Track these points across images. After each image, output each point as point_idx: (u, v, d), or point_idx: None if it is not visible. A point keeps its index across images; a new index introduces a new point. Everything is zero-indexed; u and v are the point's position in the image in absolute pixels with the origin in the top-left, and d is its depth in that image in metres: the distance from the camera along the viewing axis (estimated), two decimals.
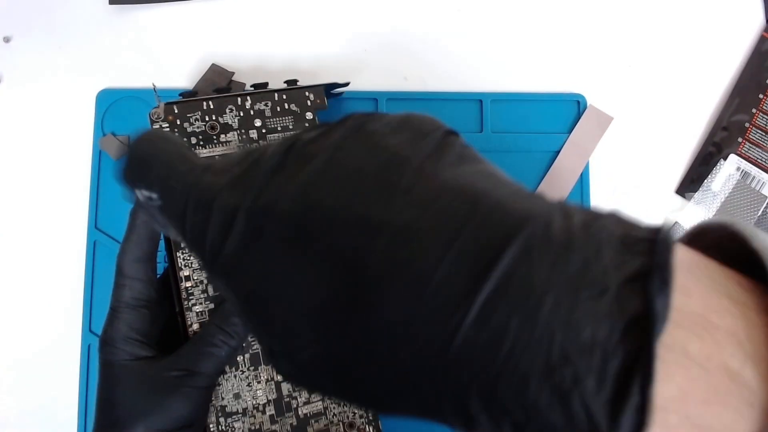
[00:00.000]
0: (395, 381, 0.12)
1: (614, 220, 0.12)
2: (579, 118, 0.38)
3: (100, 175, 0.37)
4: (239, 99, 0.31)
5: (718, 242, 0.14)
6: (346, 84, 0.35)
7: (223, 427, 0.28)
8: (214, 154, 0.31)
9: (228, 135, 0.31)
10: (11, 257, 0.37)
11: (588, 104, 0.38)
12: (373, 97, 0.38)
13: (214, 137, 0.31)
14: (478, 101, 0.38)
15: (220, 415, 0.28)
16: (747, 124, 0.39)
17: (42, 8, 0.39)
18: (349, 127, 0.15)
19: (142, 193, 0.17)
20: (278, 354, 0.14)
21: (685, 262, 0.12)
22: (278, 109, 0.32)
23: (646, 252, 0.11)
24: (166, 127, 0.30)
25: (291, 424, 0.29)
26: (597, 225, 0.12)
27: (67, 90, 0.38)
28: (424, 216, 0.12)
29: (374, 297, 0.12)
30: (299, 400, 0.29)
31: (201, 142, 0.31)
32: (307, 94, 0.33)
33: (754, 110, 0.39)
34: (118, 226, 0.36)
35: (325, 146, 0.14)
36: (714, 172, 0.38)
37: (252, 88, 0.33)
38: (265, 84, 0.34)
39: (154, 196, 0.17)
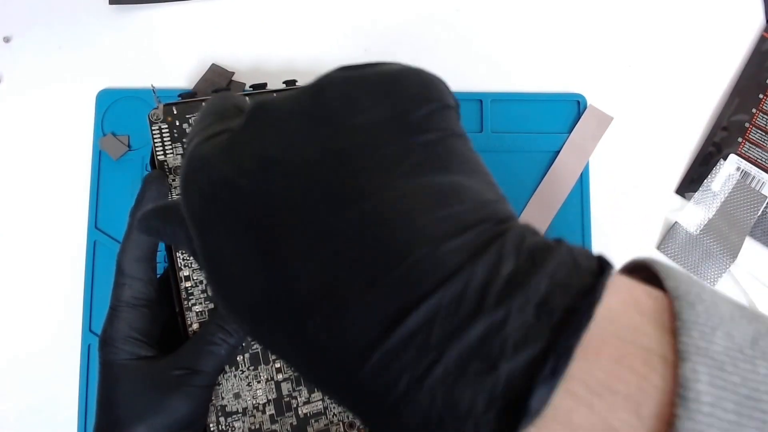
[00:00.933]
0: (313, 373, 0.13)
1: (544, 275, 0.12)
2: (579, 118, 0.38)
3: (100, 175, 0.37)
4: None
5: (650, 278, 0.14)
6: None
7: (223, 427, 0.28)
8: None
9: None
10: (11, 257, 0.37)
11: (588, 104, 0.38)
12: None
13: None
14: (478, 101, 0.38)
15: (220, 414, 0.28)
16: (747, 124, 0.39)
17: (42, 8, 0.39)
18: (319, 88, 0.15)
19: None
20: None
21: (616, 313, 0.12)
22: None
23: (559, 325, 0.11)
24: (165, 128, 0.30)
25: (291, 424, 0.29)
26: (520, 283, 0.12)
27: (67, 90, 0.38)
28: (359, 247, 0.12)
29: (302, 314, 0.13)
30: (299, 399, 0.29)
31: None
32: None
33: (754, 110, 0.39)
34: (118, 226, 0.36)
35: (290, 109, 0.14)
36: (714, 172, 0.38)
37: (251, 89, 0.33)
38: (264, 84, 0.34)
39: None
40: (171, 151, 0.30)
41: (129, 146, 0.37)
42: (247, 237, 0.13)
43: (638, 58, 0.40)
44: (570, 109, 0.38)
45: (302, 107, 0.14)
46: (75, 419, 0.35)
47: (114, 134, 0.37)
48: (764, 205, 0.37)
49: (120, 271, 0.26)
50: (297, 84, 0.33)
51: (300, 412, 0.29)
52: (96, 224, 0.36)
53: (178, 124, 0.30)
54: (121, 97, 0.38)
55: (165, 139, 0.30)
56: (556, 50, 0.39)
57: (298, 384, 0.29)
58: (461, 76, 0.39)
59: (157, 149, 0.30)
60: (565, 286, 0.12)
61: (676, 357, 0.11)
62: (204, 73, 0.38)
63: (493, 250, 0.12)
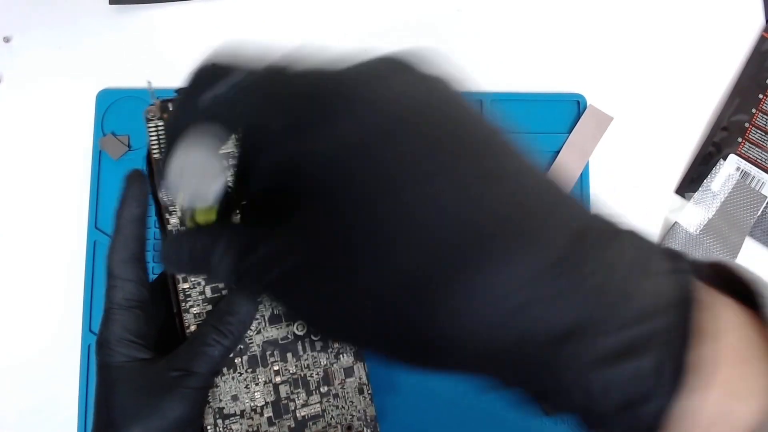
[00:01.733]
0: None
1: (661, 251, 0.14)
2: (579, 118, 0.38)
3: (100, 175, 0.37)
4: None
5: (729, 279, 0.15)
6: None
7: (221, 429, 0.28)
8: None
9: None
10: (11, 257, 0.37)
11: (588, 104, 0.38)
12: None
13: None
14: (478, 101, 0.38)
15: (217, 416, 0.28)
16: (747, 124, 0.39)
17: (42, 8, 0.39)
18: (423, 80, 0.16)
19: (215, 91, 0.17)
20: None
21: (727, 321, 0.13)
22: None
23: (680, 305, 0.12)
24: (161, 124, 0.30)
25: (289, 426, 0.29)
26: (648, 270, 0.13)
27: (67, 90, 0.38)
28: (506, 217, 0.13)
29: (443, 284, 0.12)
30: (297, 402, 0.29)
31: None
32: None
33: (753, 110, 0.39)
34: None
35: (402, 95, 0.15)
36: (714, 172, 0.38)
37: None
38: None
39: (235, 81, 0.17)
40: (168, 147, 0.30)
41: (129, 146, 0.37)
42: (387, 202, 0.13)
43: (638, 58, 0.40)
44: (570, 109, 0.38)
45: (419, 95, 0.15)
46: (75, 419, 0.35)
47: (114, 134, 0.37)
48: (764, 205, 0.37)
49: (110, 273, 0.26)
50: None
51: (298, 415, 0.29)
52: (96, 224, 0.36)
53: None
54: (121, 97, 0.38)
55: (161, 136, 0.30)
56: (556, 50, 0.39)
57: (296, 386, 0.29)
58: (461, 76, 0.39)
59: (153, 147, 0.30)
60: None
61: None
62: None
63: (621, 238, 0.13)
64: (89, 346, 0.35)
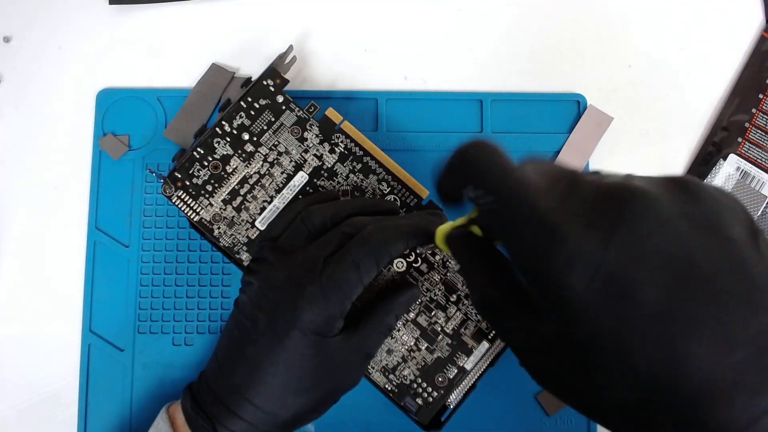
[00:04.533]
0: None
1: None
2: (579, 118, 0.38)
3: (100, 175, 0.37)
4: (218, 129, 0.33)
5: None
6: (290, 48, 0.35)
7: (396, 382, 0.31)
8: (231, 186, 0.33)
9: (231, 163, 0.33)
10: (11, 257, 0.37)
11: (588, 104, 0.38)
12: (374, 97, 0.38)
13: (223, 173, 0.33)
14: (478, 101, 0.38)
15: (388, 373, 0.31)
16: (747, 124, 0.39)
17: (42, 8, 0.39)
18: (687, 191, 0.16)
19: (472, 192, 0.19)
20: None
21: None
22: (252, 113, 0.33)
23: None
24: (183, 195, 0.32)
25: (448, 344, 0.31)
26: None
27: (67, 90, 0.38)
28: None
29: (711, 404, 0.14)
30: (440, 321, 0.32)
31: (216, 184, 0.32)
32: (265, 83, 0.33)
33: (754, 110, 0.39)
34: (119, 226, 0.36)
35: (678, 211, 0.16)
36: (714, 172, 0.38)
37: (219, 112, 0.34)
38: (249, 79, 0.35)
39: (487, 198, 0.19)
40: (199, 207, 0.32)
41: (129, 146, 0.37)
42: (649, 327, 0.15)
43: (638, 58, 0.40)
44: (570, 109, 0.38)
45: (686, 210, 0.16)
46: (75, 419, 0.35)
47: (114, 134, 0.37)
48: (764, 205, 0.37)
49: (387, 253, 0.26)
50: (252, 79, 0.35)
51: (448, 329, 0.31)
52: (96, 224, 0.36)
53: (188, 183, 0.32)
54: (121, 97, 0.38)
55: (189, 201, 0.32)
56: (556, 50, 0.39)
57: (430, 310, 0.32)
58: (461, 76, 0.39)
59: (189, 215, 0.32)
60: None
61: None
62: (204, 72, 0.38)
63: None
64: (89, 346, 0.35)
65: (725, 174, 0.38)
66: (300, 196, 0.33)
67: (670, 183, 0.16)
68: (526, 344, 0.19)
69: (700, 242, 0.15)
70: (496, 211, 0.18)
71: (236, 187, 0.33)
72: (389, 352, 0.31)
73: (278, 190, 0.33)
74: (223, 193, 0.32)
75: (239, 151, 0.33)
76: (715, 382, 0.14)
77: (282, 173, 0.33)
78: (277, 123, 0.33)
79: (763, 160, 0.38)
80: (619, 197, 0.16)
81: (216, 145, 0.33)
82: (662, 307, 0.15)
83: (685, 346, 0.14)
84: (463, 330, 0.31)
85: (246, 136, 0.33)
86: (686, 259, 0.15)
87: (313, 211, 0.29)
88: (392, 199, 0.33)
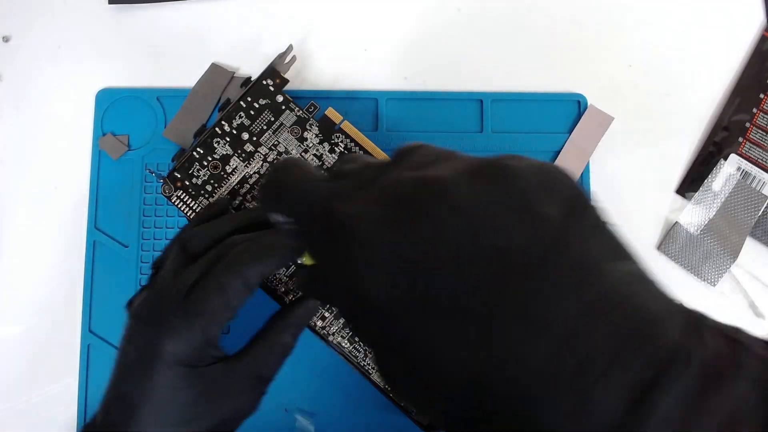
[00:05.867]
0: None
1: (752, 354, 0.13)
2: (579, 118, 0.38)
3: (100, 175, 0.37)
4: (217, 129, 0.33)
5: None
6: (289, 48, 0.35)
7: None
8: (231, 186, 0.33)
9: (231, 163, 0.33)
10: (11, 257, 0.37)
11: (588, 104, 0.38)
12: (374, 97, 0.38)
13: (222, 173, 0.33)
14: (478, 101, 0.38)
15: None
16: (748, 124, 0.39)
17: (42, 8, 0.39)
18: (493, 174, 0.15)
19: (276, 218, 0.18)
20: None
21: None
22: (252, 112, 0.33)
23: None
24: (183, 195, 0.32)
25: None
26: (738, 362, 0.13)
27: (67, 89, 0.38)
28: (591, 326, 0.13)
29: (532, 400, 0.13)
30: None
31: (215, 184, 0.33)
32: (265, 82, 0.33)
33: (754, 110, 0.39)
34: (118, 226, 0.36)
35: (476, 196, 0.14)
36: (714, 171, 0.38)
37: (219, 111, 0.34)
38: (249, 79, 0.35)
39: (285, 220, 0.18)
40: (198, 207, 0.33)
41: (128, 146, 0.37)
42: (458, 320, 0.14)
43: (638, 58, 0.39)
44: (570, 109, 0.38)
45: (490, 194, 0.15)
46: (75, 419, 0.35)
47: (113, 134, 0.37)
48: (765, 205, 0.37)
49: (246, 282, 0.25)
50: (252, 79, 0.35)
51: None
52: (96, 224, 0.36)
53: (188, 183, 0.32)
54: (120, 96, 0.38)
55: (188, 201, 0.32)
56: (556, 50, 0.39)
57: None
58: (461, 76, 0.39)
59: (189, 215, 0.32)
60: (765, 361, 0.13)
61: None
62: (204, 72, 0.38)
63: (701, 330, 0.13)
64: (89, 346, 0.35)
65: (726, 174, 0.38)
66: None
67: (477, 168, 0.15)
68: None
69: (499, 226, 0.14)
70: (297, 231, 0.18)
71: (236, 187, 0.33)
72: None
73: None
74: (223, 193, 0.33)
75: (239, 151, 0.33)
76: (529, 377, 0.13)
77: None
78: (276, 123, 0.33)
79: (764, 160, 0.38)
80: (412, 192, 0.15)
81: (216, 145, 0.33)
82: (458, 303, 0.14)
83: (488, 342, 0.13)
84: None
85: (246, 136, 0.33)
86: (482, 247, 0.14)
87: (194, 235, 0.27)
88: None
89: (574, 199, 0.15)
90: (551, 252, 0.14)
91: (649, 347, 0.13)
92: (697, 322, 0.14)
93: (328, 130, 0.33)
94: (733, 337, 0.13)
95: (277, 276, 0.32)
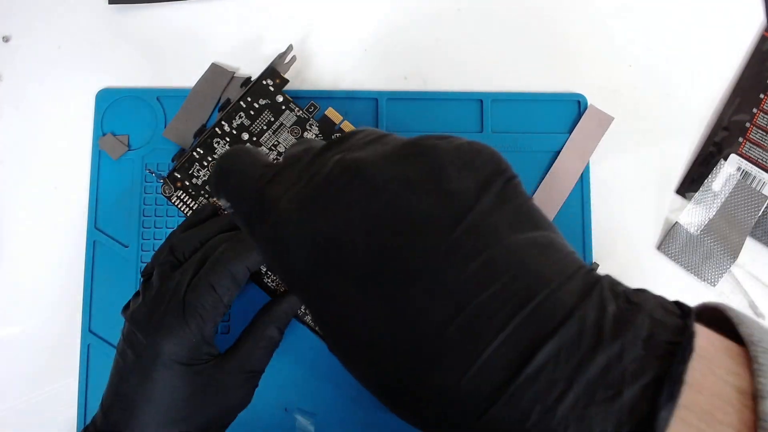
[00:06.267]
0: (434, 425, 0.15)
1: (645, 314, 0.14)
2: (579, 118, 0.38)
3: (100, 175, 0.37)
4: (217, 129, 0.33)
5: (716, 319, 0.15)
6: (289, 47, 0.35)
7: None
8: None
9: None
10: (11, 257, 0.37)
11: (588, 104, 0.38)
12: (373, 97, 0.38)
13: None
14: (478, 101, 0.38)
15: None
16: (748, 124, 0.39)
17: (42, 8, 0.39)
18: (414, 153, 0.16)
19: (222, 203, 0.19)
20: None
21: (705, 351, 0.13)
22: (252, 112, 0.33)
23: (665, 357, 0.13)
24: (183, 195, 0.32)
25: None
26: (627, 321, 0.13)
27: (67, 89, 0.38)
28: (486, 292, 0.14)
29: (428, 357, 0.14)
30: None
31: None
32: (265, 83, 0.33)
33: (755, 110, 0.39)
34: (118, 226, 0.36)
35: (392, 175, 0.16)
36: (714, 172, 0.38)
37: (219, 111, 0.34)
38: (249, 79, 0.35)
39: (227, 205, 0.19)
40: (198, 207, 0.33)
41: (128, 146, 0.37)
42: (367, 287, 0.15)
43: (638, 58, 0.39)
44: (570, 109, 0.38)
45: (405, 172, 0.16)
46: (75, 419, 0.35)
47: (113, 134, 0.37)
48: (765, 205, 0.37)
49: (234, 278, 0.27)
50: (252, 79, 0.35)
51: None
52: (96, 224, 0.36)
53: (188, 183, 0.32)
54: (120, 96, 0.38)
55: (188, 201, 0.32)
56: (556, 50, 0.39)
57: None
58: (461, 76, 0.39)
59: (189, 215, 0.32)
60: (662, 324, 0.14)
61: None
62: (204, 72, 0.38)
63: (595, 293, 0.14)
64: (89, 346, 0.35)
65: (726, 174, 0.38)
66: None
67: (400, 148, 0.16)
68: None
69: (409, 201, 0.15)
70: (234, 213, 0.19)
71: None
72: None
73: None
74: None
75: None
76: (425, 337, 0.14)
77: None
78: (276, 123, 0.33)
79: (764, 160, 0.38)
80: (332, 173, 0.16)
81: (216, 145, 0.33)
82: (365, 271, 0.15)
83: (390, 305, 0.14)
84: None
85: (246, 136, 0.33)
86: (390, 219, 0.15)
87: (182, 239, 0.29)
88: None
89: (490, 175, 0.16)
90: (454, 222, 0.15)
91: (537, 310, 0.13)
92: (596, 286, 0.14)
93: (328, 130, 0.33)
94: (633, 300, 0.14)
95: (262, 269, 0.32)
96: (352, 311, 0.15)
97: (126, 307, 0.28)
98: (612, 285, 0.15)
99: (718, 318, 0.15)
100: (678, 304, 0.14)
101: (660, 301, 0.14)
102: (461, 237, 0.14)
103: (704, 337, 0.14)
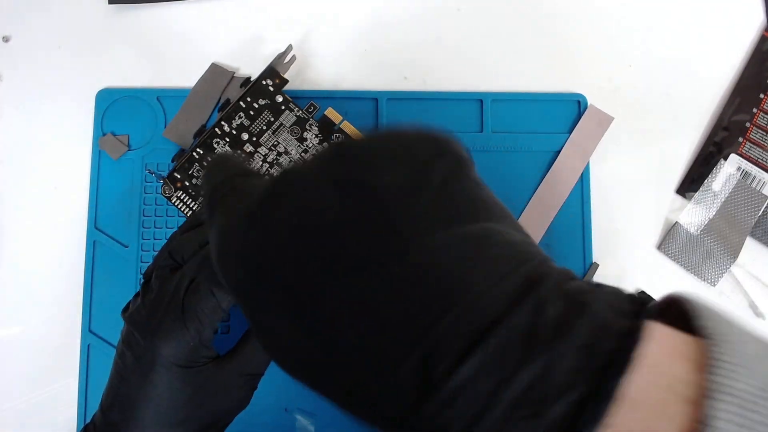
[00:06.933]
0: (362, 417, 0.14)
1: (588, 317, 0.12)
2: (579, 118, 0.38)
3: (100, 175, 0.37)
4: (217, 129, 0.33)
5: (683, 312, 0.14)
6: (289, 47, 0.35)
7: None
8: None
9: None
10: (11, 257, 0.37)
11: (588, 104, 0.38)
12: (374, 97, 0.38)
13: None
14: (478, 101, 0.38)
15: None
16: (748, 124, 0.39)
17: (42, 8, 0.39)
18: (339, 154, 0.15)
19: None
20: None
21: (653, 358, 0.12)
22: (252, 113, 0.33)
23: (599, 371, 0.11)
24: (183, 196, 0.32)
25: None
26: (562, 328, 0.12)
27: (67, 89, 0.38)
28: (404, 301, 0.13)
29: (350, 373, 0.13)
30: None
31: None
32: (264, 83, 0.33)
33: (754, 110, 0.39)
34: (118, 226, 0.36)
35: (314, 179, 0.15)
36: (714, 171, 0.38)
37: (219, 112, 0.34)
38: (248, 79, 0.35)
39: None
40: (198, 206, 0.33)
41: (128, 146, 0.37)
42: (287, 300, 0.14)
43: (638, 58, 0.39)
44: (570, 109, 0.38)
45: (326, 174, 0.15)
46: (75, 419, 0.35)
47: (113, 134, 0.37)
48: (765, 205, 0.37)
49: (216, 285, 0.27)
50: (251, 79, 0.35)
51: None
52: (96, 224, 0.36)
53: (188, 183, 0.32)
54: (120, 96, 0.38)
55: (188, 201, 0.32)
56: (556, 50, 0.39)
57: None
58: (461, 76, 0.39)
59: (189, 215, 0.32)
60: (606, 329, 0.12)
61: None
62: (204, 72, 0.38)
63: (533, 294, 0.12)
64: (89, 346, 0.35)
65: (726, 174, 0.38)
66: None
67: (327, 151, 0.16)
68: None
69: (333, 203, 0.14)
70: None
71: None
72: None
73: None
74: None
75: (239, 152, 0.33)
76: (347, 356, 0.13)
77: None
78: (276, 123, 0.33)
79: (764, 160, 0.38)
80: (271, 186, 0.16)
81: (215, 146, 0.33)
82: (289, 284, 0.14)
83: (314, 324, 0.14)
84: None
85: (245, 137, 0.33)
86: (314, 225, 0.14)
87: (181, 242, 0.29)
88: None
89: (420, 164, 0.15)
90: (369, 226, 0.14)
91: (460, 319, 0.12)
92: (536, 287, 0.13)
93: (327, 130, 0.33)
94: (580, 299, 0.13)
95: None
96: (274, 325, 0.15)
97: (125, 309, 0.28)
98: (560, 282, 0.13)
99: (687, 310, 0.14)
100: (634, 301, 0.13)
101: (612, 299, 0.13)
102: (375, 243, 0.13)
103: (657, 339, 0.12)
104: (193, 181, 0.33)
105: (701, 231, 0.37)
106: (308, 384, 0.15)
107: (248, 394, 0.28)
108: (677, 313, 0.14)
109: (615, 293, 0.13)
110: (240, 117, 0.33)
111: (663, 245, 0.38)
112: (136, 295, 0.29)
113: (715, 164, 0.38)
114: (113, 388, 0.27)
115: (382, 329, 0.13)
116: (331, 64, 0.39)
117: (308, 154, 0.33)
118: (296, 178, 0.15)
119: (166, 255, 0.29)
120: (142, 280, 0.29)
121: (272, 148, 0.33)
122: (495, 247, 0.14)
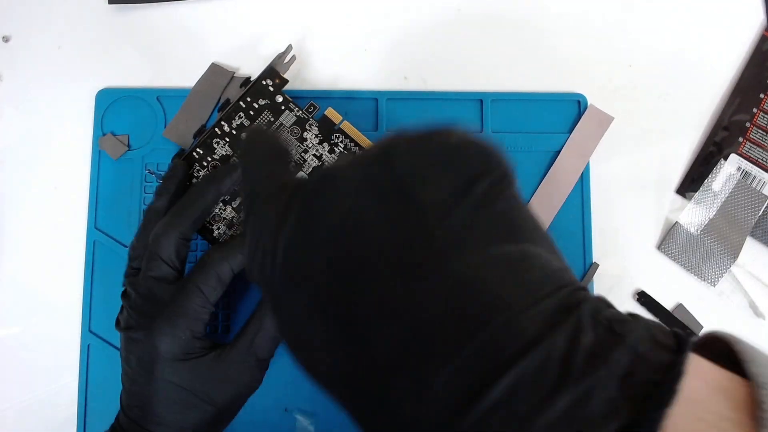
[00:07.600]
0: None
1: (626, 348, 0.12)
2: (579, 118, 0.38)
3: (100, 175, 0.37)
4: (217, 129, 0.33)
5: (726, 351, 0.14)
6: (289, 47, 0.35)
7: None
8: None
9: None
10: (11, 257, 0.37)
11: (588, 104, 0.38)
12: (374, 97, 0.38)
13: None
14: (478, 101, 0.38)
15: None
16: (748, 124, 0.39)
17: (42, 8, 0.39)
18: (383, 157, 0.15)
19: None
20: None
21: (697, 393, 0.12)
22: (251, 113, 0.33)
23: (643, 399, 0.11)
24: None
25: None
26: (602, 356, 0.12)
27: (67, 89, 0.38)
28: (439, 316, 0.13)
29: (383, 381, 0.13)
30: None
31: None
32: (264, 83, 0.33)
33: (755, 110, 0.39)
34: (118, 226, 0.36)
35: (357, 185, 0.15)
36: (714, 171, 0.38)
37: (219, 112, 0.34)
38: (248, 79, 0.35)
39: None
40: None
41: (128, 146, 0.37)
42: (324, 308, 0.14)
43: (638, 58, 0.39)
44: (570, 109, 0.38)
45: (371, 179, 0.15)
46: (75, 419, 0.35)
47: (113, 134, 0.37)
48: (765, 205, 0.37)
49: (219, 279, 0.28)
50: (251, 78, 0.35)
51: None
52: (96, 224, 0.36)
53: (188, 183, 0.33)
54: (120, 96, 0.38)
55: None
56: (556, 50, 0.39)
57: None
58: (461, 76, 0.39)
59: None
60: (646, 360, 0.12)
61: None
62: (204, 72, 0.38)
63: (571, 320, 0.12)
64: (89, 346, 0.35)
65: (726, 174, 0.38)
66: None
67: (373, 152, 0.15)
68: None
69: (374, 212, 0.14)
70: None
71: (236, 187, 0.33)
72: None
73: None
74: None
75: (239, 152, 0.33)
76: (382, 367, 0.13)
77: None
78: (276, 123, 0.33)
79: (764, 159, 0.38)
80: (313, 186, 0.16)
81: (215, 146, 0.33)
82: (325, 286, 0.14)
83: (346, 327, 0.14)
84: None
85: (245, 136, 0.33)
86: (353, 232, 0.14)
87: (133, 248, 0.31)
88: None
89: (468, 178, 0.14)
90: (410, 240, 0.14)
91: (492, 339, 0.12)
92: (574, 312, 0.12)
93: (327, 130, 0.33)
94: (616, 330, 0.12)
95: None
96: (307, 327, 0.15)
97: (117, 323, 0.30)
98: (596, 310, 0.13)
99: (730, 350, 0.13)
100: (676, 335, 0.13)
101: (651, 331, 0.13)
102: (421, 260, 0.13)
103: (699, 375, 0.12)
104: (193, 180, 0.32)
105: (701, 231, 0.37)
106: (335, 390, 0.15)
107: (257, 377, 0.29)
108: (717, 351, 0.13)
109: (653, 325, 0.13)
110: (240, 117, 0.33)
111: (663, 245, 0.38)
112: (122, 307, 0.30)
113: (715, 164, 0.38)
114: (126, 390, 0.28)
115: (417, 335, 0.13)
116: (331, 64, 0.39)
117: (308, 154, 0.33)
118: (341, 180, 0.15)
119: (127, 262, 0.30)
120: (125, 279, 0.30)
121: None
122: (533, 270, 0.13)
